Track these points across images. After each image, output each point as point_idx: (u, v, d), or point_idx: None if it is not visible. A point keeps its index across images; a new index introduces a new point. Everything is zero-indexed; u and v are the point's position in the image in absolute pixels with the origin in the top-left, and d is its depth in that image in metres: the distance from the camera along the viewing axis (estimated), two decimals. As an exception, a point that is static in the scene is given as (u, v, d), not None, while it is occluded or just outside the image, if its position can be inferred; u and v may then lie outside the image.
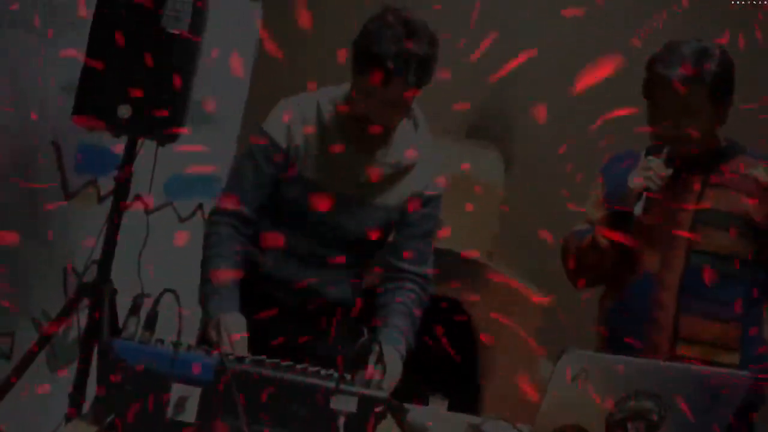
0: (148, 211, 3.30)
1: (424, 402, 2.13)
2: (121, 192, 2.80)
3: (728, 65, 2.29)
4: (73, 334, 3.20)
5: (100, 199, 3.34)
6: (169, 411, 1.65)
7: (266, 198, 2.24)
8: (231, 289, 2.14)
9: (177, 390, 1.65)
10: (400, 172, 2.25)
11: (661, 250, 2.32)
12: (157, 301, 1.73)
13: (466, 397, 2.54)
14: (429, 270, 2.31)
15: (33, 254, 3.21)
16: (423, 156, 2.28)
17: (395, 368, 2.07)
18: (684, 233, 2.28)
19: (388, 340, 2.12)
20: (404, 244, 2.28)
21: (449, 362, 2.80)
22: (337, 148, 2.19)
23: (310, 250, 2.24)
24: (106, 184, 3.08)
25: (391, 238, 2.33)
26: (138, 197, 3.14)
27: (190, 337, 1.95)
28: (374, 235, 2.24)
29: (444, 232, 3.38)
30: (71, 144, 3.23)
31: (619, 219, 2.31)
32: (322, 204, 2.18)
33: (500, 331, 3.12)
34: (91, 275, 2.88)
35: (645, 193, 2.27)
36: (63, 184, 3.27)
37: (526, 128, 3.81)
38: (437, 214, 2.31)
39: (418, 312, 2.24)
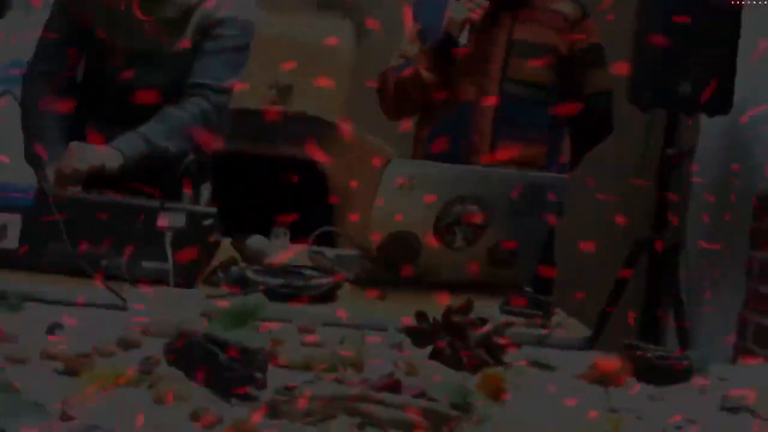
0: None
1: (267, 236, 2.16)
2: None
3: None
4: None
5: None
6: (-11, 237, 1.64)
7: (74, 56, 2.20)
8: (59, 142, 2.11)
9: (-6, 218, 1.64)
10: (188, 11, 2.17)
11: (477, 79, 2.51)
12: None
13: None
14: (218, 83, 2.19)
15: None
16: None
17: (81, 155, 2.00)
18: (496, 63, 2.50)
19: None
20: (195, 63, 2.19)
21: (306, 216, 2.85)
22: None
23: (135, 117, 2.18)
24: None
25: None
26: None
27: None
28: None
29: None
30: None
31: (440, 51, 2.42)
32: (116, 62, 2.14)
33: (354, 182, 3.19)
34: None
35: (467, 25, 2.42)
36: None
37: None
38: (235, 35, 2.20)
39: (186, 117, 2.13)
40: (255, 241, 2.04)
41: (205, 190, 1.79)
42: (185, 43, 2.17)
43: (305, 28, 3.56)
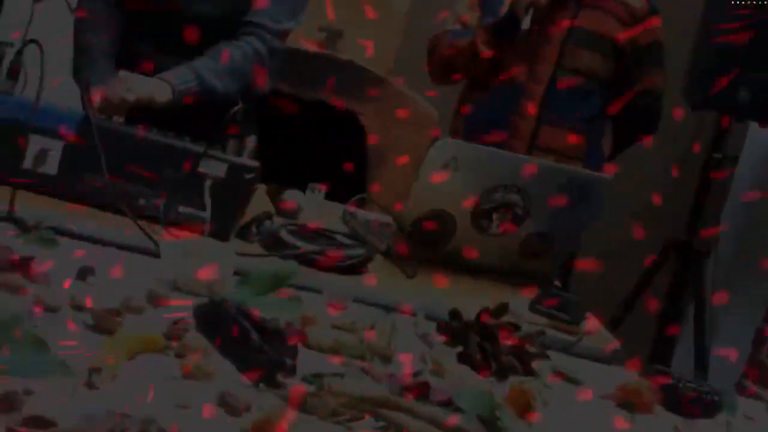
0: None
1: (303, 190, 2.12)
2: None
3: None
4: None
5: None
6: (28, 161, 1.61)
7: None
8: (107, 65, 2.07)
9: (36, 141, 1.61)
10: None
11: (530, 62, 2.44)
12: (20, 51, 1.66)
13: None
14: (276, 26, 2.11)
15: None
16: None
17: (122, 84, 1.91)
18: (554, 48, 2.44)
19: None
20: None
21: (338, 167, 2.82)
22: None
23: (182, 46, 2.13)
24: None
25: None
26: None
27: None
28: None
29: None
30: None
31: (502, 30, 2.39)
32: None
33: (393, 142, 3.14)
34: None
35: (532, 8, 2.38)
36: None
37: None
38: None
39: (239, 57, 2.06)
40: (290, 195, 2.01)
41: (250, 143, 1.75)
42: None
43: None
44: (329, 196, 2.22)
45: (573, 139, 2.48)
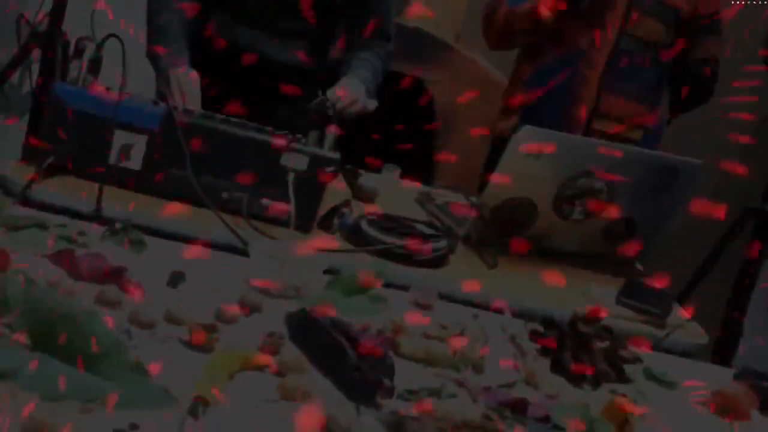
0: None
1: (377, 171, 2.11)
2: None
3: None
4: (27, 87, 3.12)
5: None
6: (113, 157, 1.61)
7: None
8: (181, 43, 2.05)
9: (120, 137, 1.61)
10: None
11: (593, 29, 2.39)
12: (100, 45, 1.65)
13: (420, 170, 2.55)
14: (390, 46, 2.20)
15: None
16: None
17: (355, 89, 2.01)
18: (617, 15, 2.37)
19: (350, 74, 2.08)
20: (365, 17, 2.15)
21: (406, 136, 2.78)
22: None
23: (261, 17, 2.12)
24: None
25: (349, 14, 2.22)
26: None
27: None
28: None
29: (415, 9, 3.31)
30: None
31: None
32: None
33: (461, 110, 3.09)
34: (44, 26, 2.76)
35: None
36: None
37: None
38: None
39: (378, 74, 2.16)
40: (367, 179, 2.00)
41: (331, 134, 1.72)
42: None
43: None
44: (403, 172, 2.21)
45: (633, 106, 2.45)
